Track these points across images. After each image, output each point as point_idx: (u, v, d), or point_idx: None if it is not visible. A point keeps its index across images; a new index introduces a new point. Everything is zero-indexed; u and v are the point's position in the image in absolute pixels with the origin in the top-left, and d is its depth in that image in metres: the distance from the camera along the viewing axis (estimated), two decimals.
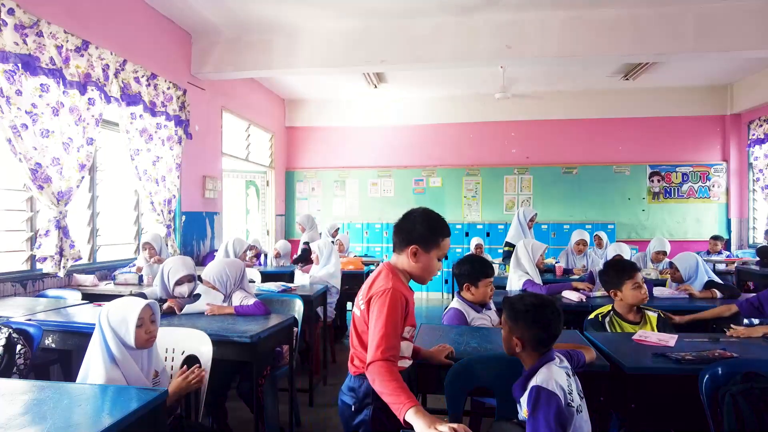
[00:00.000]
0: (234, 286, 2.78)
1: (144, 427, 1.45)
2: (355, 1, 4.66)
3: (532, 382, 1.49)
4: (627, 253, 4.48)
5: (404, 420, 1.37)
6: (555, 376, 1.48)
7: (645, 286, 2.48)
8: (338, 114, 8.31)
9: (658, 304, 3.03)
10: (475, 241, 6.33)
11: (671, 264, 3.57)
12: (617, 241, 7.40)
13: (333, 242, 6.29)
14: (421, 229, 1.66)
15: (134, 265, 4.08)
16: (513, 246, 4.95)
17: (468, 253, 3.60)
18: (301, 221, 5.99)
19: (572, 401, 1.46)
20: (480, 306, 2.57)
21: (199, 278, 2.89)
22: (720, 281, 3.48)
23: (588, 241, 4.98)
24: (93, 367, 1.73)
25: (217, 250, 5.37)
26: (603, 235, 5.36)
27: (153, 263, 3.92)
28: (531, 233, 5.07)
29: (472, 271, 2.52)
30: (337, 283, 4.16)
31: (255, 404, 2.41)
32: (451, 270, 6.11)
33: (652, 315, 2.50)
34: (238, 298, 2.73)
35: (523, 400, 1.52)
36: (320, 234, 6.01)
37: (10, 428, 1.25)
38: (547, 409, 1.41)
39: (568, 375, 1.53)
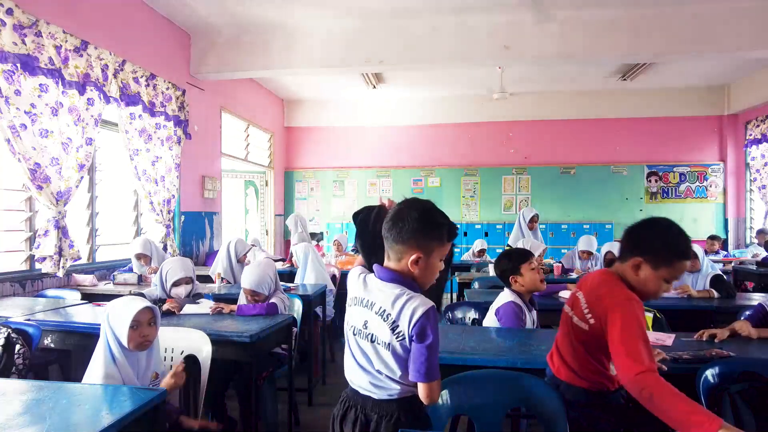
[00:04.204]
0: (274, 286, 2.80)
1: (143, 426, 1.45)
2: (353, 2, 4.66)
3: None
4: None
5: None
6: None
7: None
8: (337, 114, 8.31)
9: (654, 304, 3.04)
10: (478, 244, 6.09)
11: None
12: (615, 240, 7.41)
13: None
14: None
15: (132, 268, 4.07)
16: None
17: (503, 251, 3.41)
18: (288, 223, 5.81)
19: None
20: (530, 301, 2.40)
21: (200, 279, 2.89)
22: (723, 275, 3.50)
23: (592, 252, 4.76)
24: (94, 363, 1.77)
25: (218, 250, 5.33)
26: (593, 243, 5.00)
27: (149, 274, 3.89)
28: (537, 234, 5.03)
29: (510, 262, 2.35)
30: (328, 283, 4.12)
31: (253, 403, 2.42)
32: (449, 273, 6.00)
33: (648, 315, 2.50)
34: (279, 300, 2.74)
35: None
36: (308, 235, 5.75)
37: (9, 428, 1.25)
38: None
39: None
